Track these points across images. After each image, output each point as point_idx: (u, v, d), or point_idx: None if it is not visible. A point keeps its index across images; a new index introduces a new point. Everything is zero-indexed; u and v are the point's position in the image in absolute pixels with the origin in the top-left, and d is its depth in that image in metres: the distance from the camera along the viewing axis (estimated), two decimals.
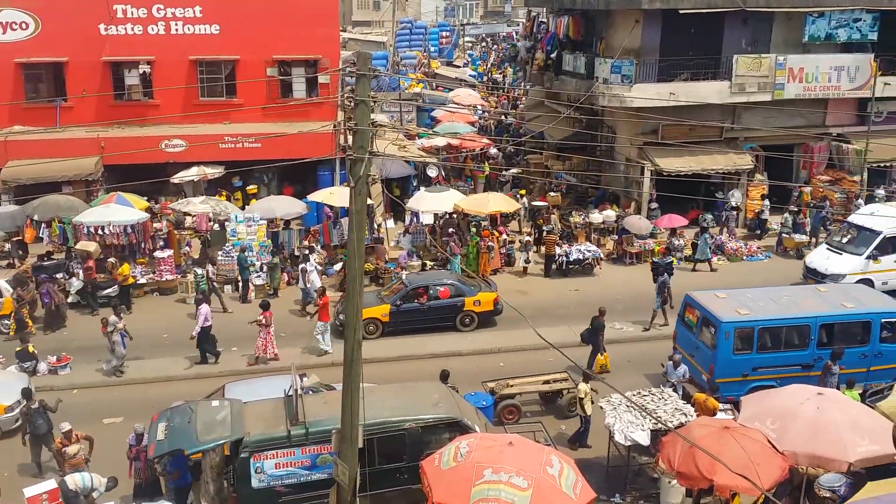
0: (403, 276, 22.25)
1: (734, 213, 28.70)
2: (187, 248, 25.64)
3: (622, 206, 29.26)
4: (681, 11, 27.09)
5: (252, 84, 29.45)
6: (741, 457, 11.34)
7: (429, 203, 26.65)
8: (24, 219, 24.51)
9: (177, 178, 27.86)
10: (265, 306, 19.59)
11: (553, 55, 33.63)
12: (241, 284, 23.60)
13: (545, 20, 38.06)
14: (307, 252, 23.60)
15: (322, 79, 30.24)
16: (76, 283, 22.63)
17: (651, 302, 21.41)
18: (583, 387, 15.59)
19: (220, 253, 24.16)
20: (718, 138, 29.35)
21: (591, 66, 29.97)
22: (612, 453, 14.98)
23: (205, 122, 29.37)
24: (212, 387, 16.68)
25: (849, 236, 23.83)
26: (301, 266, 22.52)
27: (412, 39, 61.20)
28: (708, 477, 11.50)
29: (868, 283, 21.46)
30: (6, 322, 21.03)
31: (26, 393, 15.59)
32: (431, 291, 21.28)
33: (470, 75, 55.15)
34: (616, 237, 27.27)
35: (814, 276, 23.18)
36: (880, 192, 28.93)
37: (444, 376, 16.13)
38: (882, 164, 30.03)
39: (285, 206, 26.58)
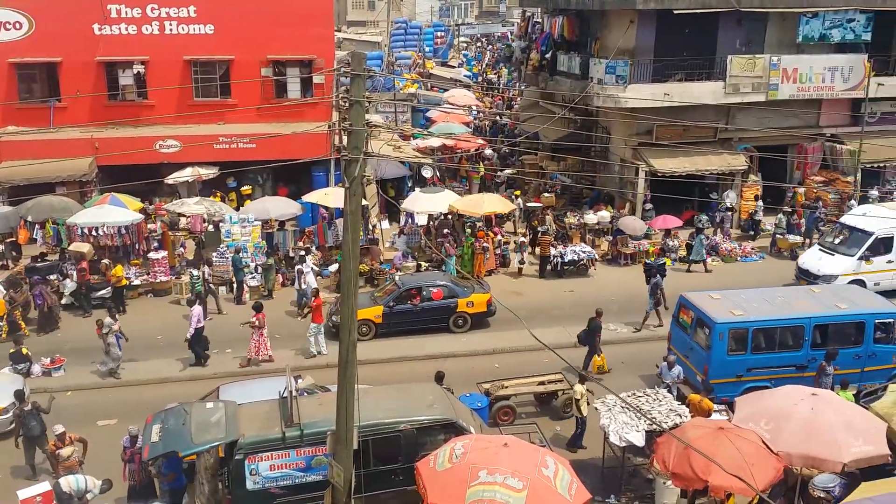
0: (396, 278, 22.24)
1: (729, 213, 28.75)
2: (182, 249, 25.58)
3: (617, 207, 29.29)
4: (675, 12, 27.14)
5: (246, 84, 29.40)
6: (736, 457, 11.36)
7: (424, 204, 26.65)
8: (17, 220, 24.44)
9: (171, 179, 27.82)
10: (258, 308, 19.57)
11: (548, 55, 33.65)
12: (235, 286, 23.56)
13: (540, 20, 38.08)
14: (304, 253, 23.58)
15: (317, 79, 30.19)
16: (70, 285, 22.55)
17: (645, 303, 21.44)
18: (579, 388, 15.61)
19: (214, 254, 24.12)
20: (713, 139, 29.41)
21: (585, 66, 30.01)
22: (607, 454, 15.01)
23: (199, 123, 29.27)
24: (206, 388, 16.65)
25: (841, 237, 23.87)
26: (297, 267, 22.50)
27: (407, 39, 61.16)
28: (703, 478, 11.51)
29: (860, 284, 21.49)
30: None
31: (19, 395, 15.54)
32: (424, 293, 21.26)
33: (465, 76, 55.17)
34: (611, 238, 27.29)
35: (806, 277, 23.22)
36: (874, 192, 28.98)
37: (439, 378, 16.11)
38: (876, 165, 30.09)
39: (280, 206, 26.55)
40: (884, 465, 12.31)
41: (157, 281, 23.86)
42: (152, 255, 24.07)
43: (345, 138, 10.43)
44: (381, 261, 25.16)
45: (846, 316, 16.98)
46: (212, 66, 29.93)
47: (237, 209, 27.23)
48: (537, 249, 26.10)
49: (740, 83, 28.34)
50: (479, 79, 56.82)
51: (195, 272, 22.58)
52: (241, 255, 23.48)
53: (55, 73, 29.21)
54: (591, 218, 28.04)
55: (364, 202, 24.20)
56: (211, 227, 25.85)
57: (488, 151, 35.69)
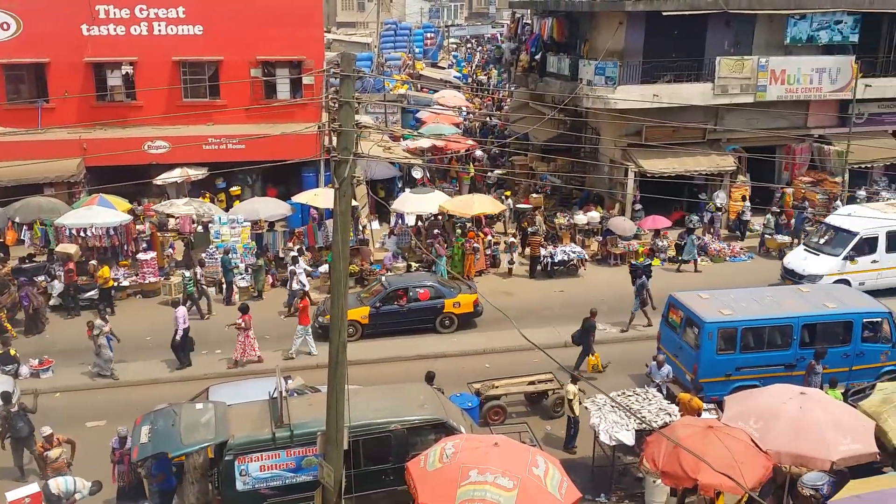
0: (383, 279, 22.22)
1: (719, 213, 28.87)
2: (170, 250, 25.47)
3: (606, 208, 29.37)
4: (664, 13, 27.24)
5: (236, 85, 29.32)
6: (725, 456, 11.41)
7: (414, 204, 26.64)
8: (5, 221, 24.27)
9: (160, 180, 27.71)
10: (244, 309, 19.51)
11: (537, 57, 33.70)
12: (224, 286, 23.49)
13: (529, 22, 38.16)
14: (296, 255, 23.52)
15: (306, 80, 30.12)
16: (57, 286, 22.44)
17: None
18: (571, 388, 15.63)
19: (204, 255, 24.04)
20: (701, 140, 29.52)
21: (575, 67, 30.07)
22: (597, 453, 15.05)
23: (188, 124, 29.16)
24: (196, 389, 16.58)
25: (826, 237, 23.95)
26: (290, 268, 22.45)
27: (397, 40, 61.11)
28: (692, 476, 11.54)
29: (845, 283, 21.58)
30: None
31: (6, 396, 15.44)
32: (411, 293, 21.24)
33: (455, 77, 55.15)
34: (600, 238, 27.37)
35: (791, 276, 23.32)
36: (861, 193, 29.17)
37: (430, 378, 16.11)
38: (863, 166, 30.28)
39: (269, 207, 26.48)
40: (872, 464, 12.39)
41: (146, 282, 23.78)
42: (141, 256, 23.99)
43: (334, 139, 10.41)
44: (371, 261, 25.14)
45: (834, 315, 17.07)
46: (201, 67, 29.82)
47: (226, 210, 27.14)
48: (527, 250, 26.14)
49: (729, 84, 28.46)
50: (469, 80, 56.83)
51: (187, 273, 22.52)
52: (230, 255, 23.40)
53: (43, 74, 29.04)
54: (580, 218, 28.10)
55: (354, 203, 24.16)
56: (200, 228, 25.78)
57: (478, 152, 35.71)
